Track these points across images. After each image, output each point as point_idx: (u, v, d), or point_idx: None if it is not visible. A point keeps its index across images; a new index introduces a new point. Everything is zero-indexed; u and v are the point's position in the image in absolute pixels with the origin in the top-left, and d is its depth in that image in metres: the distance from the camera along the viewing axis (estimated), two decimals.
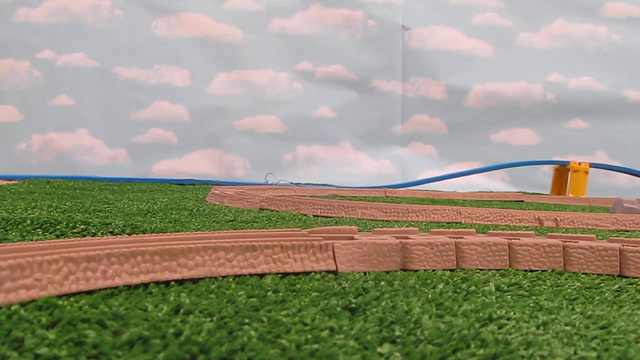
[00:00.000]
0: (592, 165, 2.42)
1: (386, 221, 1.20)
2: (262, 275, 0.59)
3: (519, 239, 0.73)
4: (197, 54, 2.92)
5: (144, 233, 0.81)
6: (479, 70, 3.04)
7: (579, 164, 2.39)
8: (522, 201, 2.08)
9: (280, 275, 0.60)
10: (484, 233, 0.80)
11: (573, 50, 3.09)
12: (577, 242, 0.73)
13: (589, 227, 1.26)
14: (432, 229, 0.77)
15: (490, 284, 0.60)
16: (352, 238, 0.68)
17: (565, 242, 0.73)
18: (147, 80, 2.88)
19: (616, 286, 0.63)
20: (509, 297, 0.56)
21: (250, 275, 0.58)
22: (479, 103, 3.04)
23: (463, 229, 0.78)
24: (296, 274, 0.61)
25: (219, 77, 2.93)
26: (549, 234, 0.78)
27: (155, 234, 0.66)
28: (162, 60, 2.89)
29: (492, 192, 2.46)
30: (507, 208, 1.43)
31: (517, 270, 0.70)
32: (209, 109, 2.90)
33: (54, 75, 2.80)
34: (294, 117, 2.96)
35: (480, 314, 0.47)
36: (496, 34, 3.08)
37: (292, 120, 2.96)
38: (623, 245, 0.72)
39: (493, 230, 1.02)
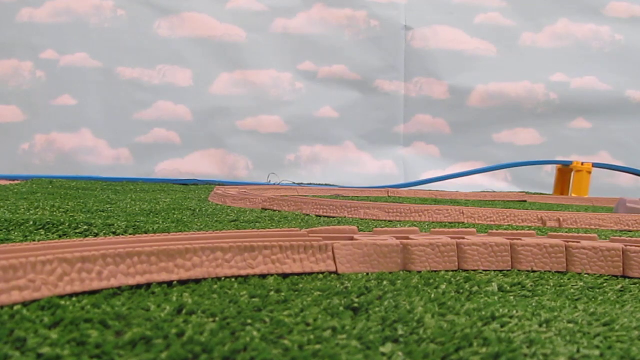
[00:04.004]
0: (595, 165, 2.41)
1: (389, 221, 1.20)
2: (264, 275, 0.59)
3: (520, 239, 0.73)
4: (200, 54, 2.92)
5: (146, 233, 0.81)
6: (482, 70, 3.04)
7: (582, 163, 2.39)
8: (525, 201, 2.08)
9: (282, 274, 0.60)
10: (484, 233, 0.80)
11: (576, 49, 3.08)
12: (579, 242, 0.73)
13: (592, 227, 1.25)
14: (432, 229, 0.77)
15: (493, 283, 0.60)
16: (351, 238, 0.68)
17: (567, 242, 0.73)
18: (149, 80, 2.88)
19: (619, 286, 0.63)
20: (512, 297, 0.56)
21: (249, 275, 0.58)
22: (481, 103, 3.03)
23: (463, 229, 0.78)
24: (296, 274, 0.61)
25: (221, 77, 2.93)
26: (550, 233, 0.78)
27: (152, 234, 0.66)
28: (165, 60, 2.90)
29: (494, 192, 2.46)
30: (509, 208, 1.43)
31: (519, 270, 0.70)
32: (212, 109, 2.90)
33: (57, 75, 2.80)
34: (296, 117, 2.96)
35: (483, 313, 0.47)
36: (499, 33, 3.08)
37: (294, 120, 2.96)
38: (626, 246, 0.72)
39: (496, 230, 1.02)
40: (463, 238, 0.72)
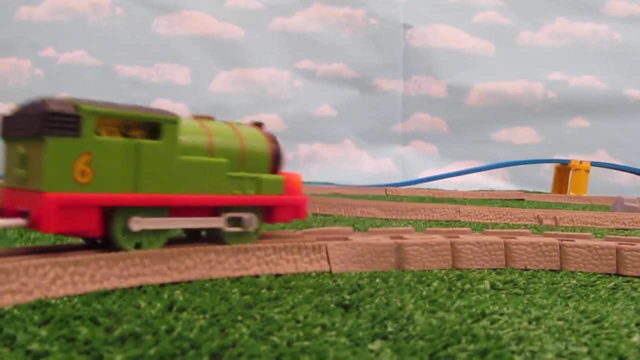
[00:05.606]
0: (593, 163, 2.41)
1: (385, 219, 1.20)
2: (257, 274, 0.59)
3: (515, 238, 0.73)
4: (198, 52, 2.92)
5: None
6: (480, 68, 3.04)
7: (580, 162, 2.38)
8: (523, 199, 2.08)
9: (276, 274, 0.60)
10: (480, 231, 0.80)
11: (574, 48, 3.08)
12: (573, 241, 0.73)
13: (589, 225, 1.25)
14: (427, 229, 0.77)
15: (486, 281, 0.60)
16: (346, 239, 0.68)
17: (561, 240, 0.73)
18: (148, 78, 2.88)
19: (612, 284, 0.63)
20: (504, 294, 0.56)
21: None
22: (480, 102, 3.03)
23: (458, 228, 0.78)
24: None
25: (220, 75, 2.93)
26: (546, 232, 0.78)
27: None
28: (164, 58, 2.89)
29: (493, 190, 2.46)
30: (507, 207, 1.42)
31: (513, 268, 0.70)
32: (210, 107, 2.90)
33: (56, 73, 2.80)
34: (295, 115, 2.96)
35: (474, 310, 0.47)
36: (497, 32, 3.07)
37: (293, 118, 2.96)
38: (620, 244, 0.72)
39: (492, 228, 1.02)
40: (457, 237, 0.72)
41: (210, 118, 0.65)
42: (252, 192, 0.62)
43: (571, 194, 2.35)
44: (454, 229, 0.79)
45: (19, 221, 0.49)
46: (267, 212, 0.64)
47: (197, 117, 0.64)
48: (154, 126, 0.56)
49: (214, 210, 0.59)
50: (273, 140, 0.66)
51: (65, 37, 2.82)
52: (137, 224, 0.53)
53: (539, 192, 2.43)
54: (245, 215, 0.60)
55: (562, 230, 1.11)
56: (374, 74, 3.01)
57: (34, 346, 0.34)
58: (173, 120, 0.57)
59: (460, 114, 3.03)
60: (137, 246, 0.53)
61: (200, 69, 2.92)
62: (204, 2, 2.92)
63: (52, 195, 0.48)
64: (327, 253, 0.64)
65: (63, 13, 2.82)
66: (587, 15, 3.09)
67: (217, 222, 0.59)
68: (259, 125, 0.68)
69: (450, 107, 3.03)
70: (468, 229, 0.78)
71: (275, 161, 0.66)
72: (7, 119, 0.54)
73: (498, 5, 3.08)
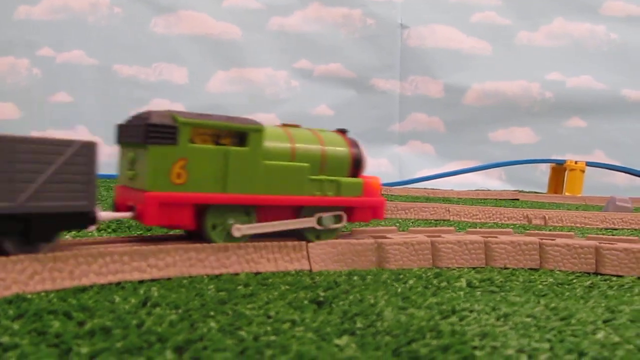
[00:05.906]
0: (589, 164, 2.42)
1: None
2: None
3: (496, 237, 0.74)
4: (196, 52, 2.92)
5: (129, 228, 0.82)
6: (478, 68, 3.04)
7: (576, 162, 2.39)
8: (517, 199, 2.09)
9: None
10: (464, 230, 0.81)
11: (572, 49, 3.08)
12: (554, 240, 0.74)
13: (578, 225, 1.26)
14: (410, 228, 0.78)
15: (463, 279, 0.61)
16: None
17: (542, 239, 0.74)
18: (146, 77, 2.89)
19: (589, 282, 0.64)
20: (479, 292, 0.57)
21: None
22: (477, 101, 3.04)
23: (443, 227, 0.79)
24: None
25: (217, 75, 2.94)
26: (528, 231, 0.79)
27: (129, 235, 0.67)
28: (161, 58, 2.90)
29: (488, 190, 2.46)
30: (500, 206, 1.43)
31: (492, 267, 0.71)
32: (208, 107, 2.91)
33: (54, 73, 2.81)
34: (292, 115, 2.96)
35: (444, 307, 0.48)
36: (495, 32, 3.08)
37: (290, 118, 2.95)
38: (600, 243, 0.73)
39: (480, 227, 1.03)
40: (439, 236, 0.73)
41: (296, 126, 0.71)
42: (332, 194, 0.67)
43: (566, 194, 2.35)
44: (439, 228, 0.80)
45: (127, 214, 0.58)
46: (347, 213, 0.69)
47: (284, 125, 0.70)
48: (241, 134, 0.63)
49: (296, 210, 0.66)
50: (354, 145, 0.73)
51: (63, 37, 2.82)
52: (238, 230, 0.61)
53: (535, 192, 2.44)
54: (338, 214, 0.67)
55: (550, 230, 1.12)
56: (371, 74, 3.02)
57: (5, 339, 0.35)
58: (258, 129, 0.63)
59: (457, 114, 3.03)
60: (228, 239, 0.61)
61: (198, 69, 2.92)
62: (201, 2, 2.93)
63: (153, 194, 0.56)
64: (307, 252, 0.64)
65: (61, 12, 2.83)
66: (585, 16, 3.09)
67: (308, 223, 0.65)
68: (342, 131, 0.74)
69: (448, 107, 3.03)
70: (452, 228, 0.79)
71: (355, 165, 0.72)
72: (121, 127, 0.64)
73: (496, 6, 3.08)
